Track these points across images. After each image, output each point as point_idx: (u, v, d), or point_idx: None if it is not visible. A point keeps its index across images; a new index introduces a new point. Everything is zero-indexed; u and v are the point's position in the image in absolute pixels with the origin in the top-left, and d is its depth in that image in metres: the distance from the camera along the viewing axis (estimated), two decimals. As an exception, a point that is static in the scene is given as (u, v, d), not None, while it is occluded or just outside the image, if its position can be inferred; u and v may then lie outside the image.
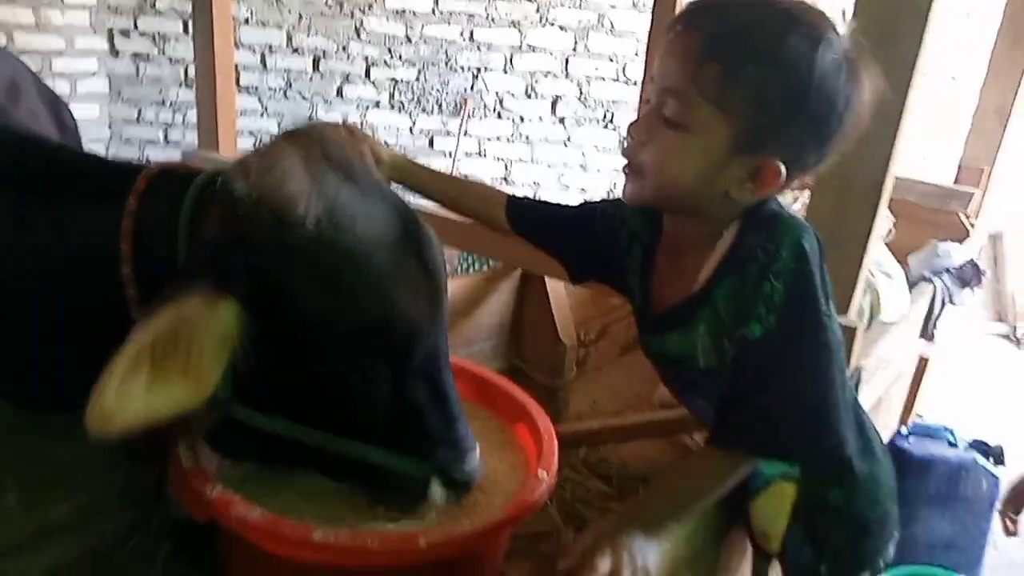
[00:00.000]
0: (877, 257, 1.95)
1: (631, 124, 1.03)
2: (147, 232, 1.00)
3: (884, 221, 2.09)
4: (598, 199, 1.35)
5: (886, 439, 2.54)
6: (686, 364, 1.10)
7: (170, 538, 1.24)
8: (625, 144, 1.05)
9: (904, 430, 2.65)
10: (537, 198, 1.44)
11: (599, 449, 1.91)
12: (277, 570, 1.08)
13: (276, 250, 0.92)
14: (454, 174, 5.05)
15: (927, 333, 2.37)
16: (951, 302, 2.36)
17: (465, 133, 5.09)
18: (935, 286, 2.29)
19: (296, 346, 0.97)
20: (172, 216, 0.99)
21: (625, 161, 1.05)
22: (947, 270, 2.36)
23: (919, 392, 2.63)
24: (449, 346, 1.85)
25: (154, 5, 4.64)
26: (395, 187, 1.18)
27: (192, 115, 4.75)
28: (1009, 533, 2.19)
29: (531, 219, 1.36)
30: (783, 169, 0.95)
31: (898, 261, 2.14)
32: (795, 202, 2.44)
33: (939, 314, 2.34)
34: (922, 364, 2.50)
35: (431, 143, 5.20)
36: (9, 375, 1.09)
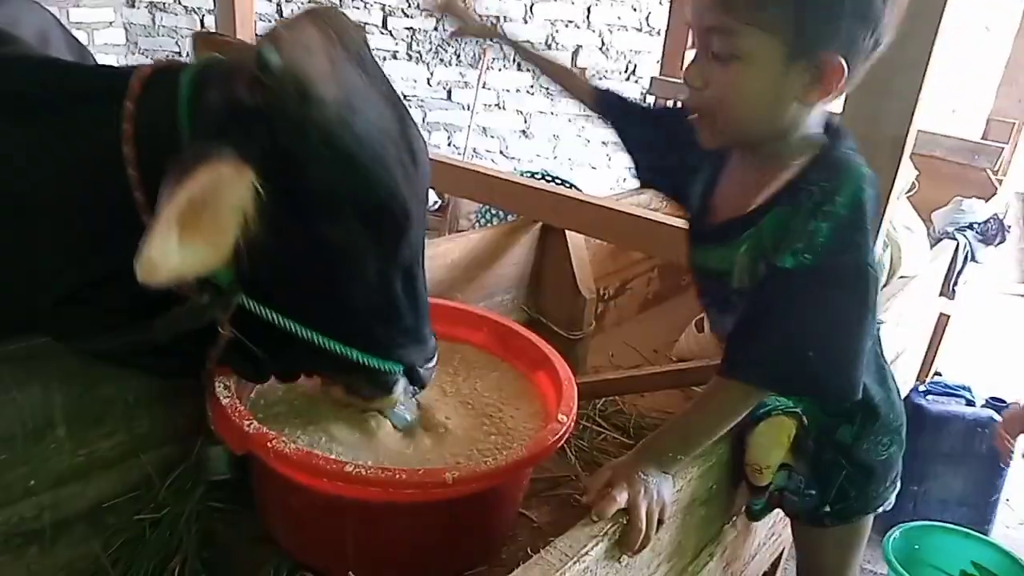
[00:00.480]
0: (899, 211, 1.95)
1: (685, 73, 1.04)
2: (148, 130, 1.00)
3: (907, 175, 2.08)
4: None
5: (902, 396, 2.57)
6: (723, 280, 1.11)
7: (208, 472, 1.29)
8: (688, 95, 1.06)
9: (922, 387, 2.67)
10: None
11: (616, 400, 1.95)
12: (310, 501, 1.14)
13: (296, 123, 0.95)
14: (472, 127, 5.03)
15: (948, 290, 2.37)
16: (974, 259, 2.35)
17: (483, 85, 5.04)
18: (958, 243, 2.28)
19: (298, 220, 1.00)
20: (171, 107, 1.00)
21: (693, 113, 1.06)
22: (971, 226, 2.35)
23: (939, 349, 2.64)
24: (469, 297, 1.89)
25: (172, -47, 4.61)
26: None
27: (212, 66, 4.76)
28: (1006, 460, 2.22)
29: (616, 103, 1.41)
30: (843, 62, 0.95)
31: (921, 217, 2.14)
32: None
33: (961, 271, 2.33)
34: (942, 321, 2.50)
35: (449, 95, 5.16)
36: (35, 310, 1.11)
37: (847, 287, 0.99)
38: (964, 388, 2.65)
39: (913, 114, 1.35)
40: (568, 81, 1.56)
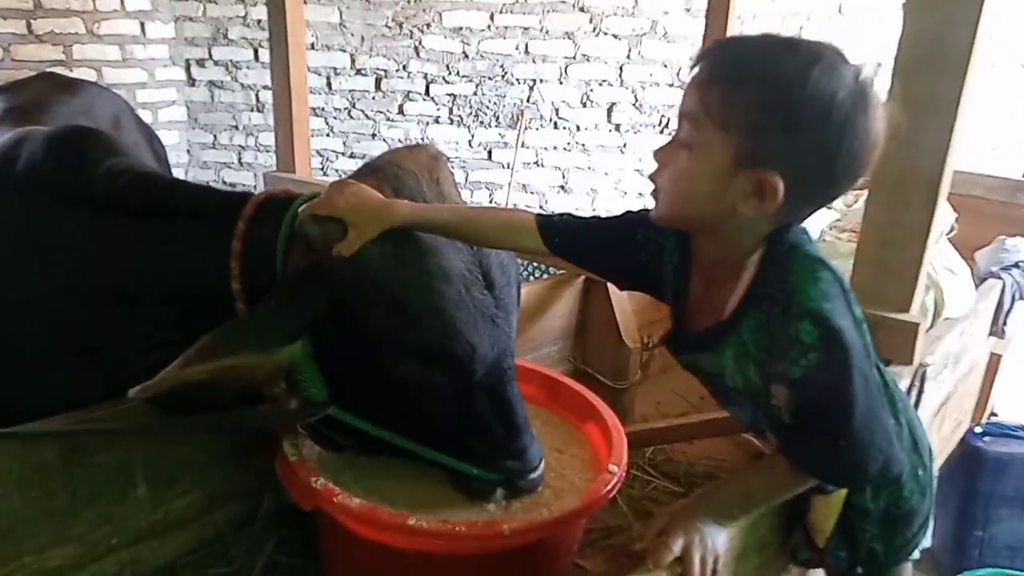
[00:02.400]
0: (939, 253, 1.95)
1: (655, 151, 1.08)
2: (253, 253, 1.15)
3: (945, 216, 2.09)
4: (635, 211, 1.28)
5: (958, 437, 2.51)
6: (716, 379, 1.15)
7: (277, 528, 1.36)
8: (651, 171, 1.10)
9: (978, 429, 2.61)
10: (563, 215, 1.27)
11: (665, 449, 1.97)
12: (375, 554, 1.19)
13: (344, 280, 1.07)
14: (512, 185, 5.16)
15: (998, 330, 2.34)
16: (1022, 298, 2.32)
17: (522, 144, 5.19)
18: (1004, 281, 2.26)
19: (371, 359, 1.12)
20: (272, 238, 1.14)
21: (652, 186, 1.10)
22: (1017, 265, 2.33)
23: (992, 390, 2.58)
24: (516, 350, 1.95)
25: (227, 35, 4.91)
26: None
27: (263, 137, 5.02)
28: None
29: (570, 240, 1.24)
30: (781, 184, 0.96)
31: (963, 257, 2.13)
32: (856, 201, 2.45)
33: (1010, 310, 2.30)
34: (994, 360, 2.46)
35: (489, 155, 5.32)
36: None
37: (854, 371, 0.99)
38: (1022, 428, 2.58)
39: (947, 153, 1.34)
40: (504, 236, 1.20)
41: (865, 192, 2.46)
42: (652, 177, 1.10)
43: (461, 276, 1.11)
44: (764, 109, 0.95)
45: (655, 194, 1.10)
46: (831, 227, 2.21)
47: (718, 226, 1.06)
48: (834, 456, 1.03)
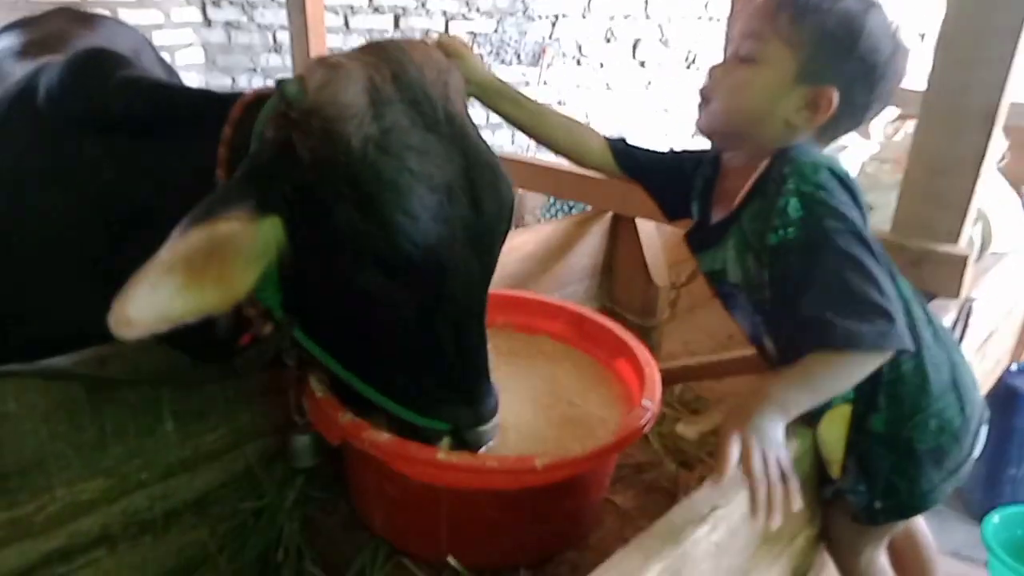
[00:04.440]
0: (990, 184, 1.86)
1: (711, 67, 1.19)
2: (239, 156, 1.02)
3: (997, 146, 1.98)
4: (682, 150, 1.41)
5: (996, 375, 2.45)
6: (721, 279, 1.20)
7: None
8: (703, 85, 1.19)
9: (1015, 366, 2.54)
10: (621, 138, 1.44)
11: (693, 387, 1.94)
12: (404, 489, 1.17)
13: (319, 161, 0.91)
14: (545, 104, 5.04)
15: (1043, 265, 2.24)
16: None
17: (544, 82, 5.06)
18: (1053, 215, 2.16)
19: (330, 259, 0.97)
20: (254, 130, 1.01)
21: (700, 99, 1.20)
22: (1066, 198, 2.22)
23: (1033, 327, 2.50)
24: (543, 288, 1.90)
25: (241, -27, 4.79)
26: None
27: (281, 80, 4.93)
28: None
29: (637, 159, 1.40)
30: (836, 98, 1.09)
31: (1015, 190, 2.04)
32: (896, 133, 2.35)
33: (1057, 245, 2.21)
34: (1037, 298, 2.37)
35: (511, 94, 5.20)
36: None
37: (842, 238, 0.99)
38: (1063, 367, 2.51)
39: (1006, 82, 1.31)
40: (569, 146, 1.40)
41: (905, 123, 2.37)
42: (705, 91, 1.19)
43: (446, 186, 0.95)
44: (830, 33, 1.08)
45: (703, 106, 1.19)
46: (871, 159, 2.12)
47: (759, 137, 1.15)
48: (826, 307, 0.95)
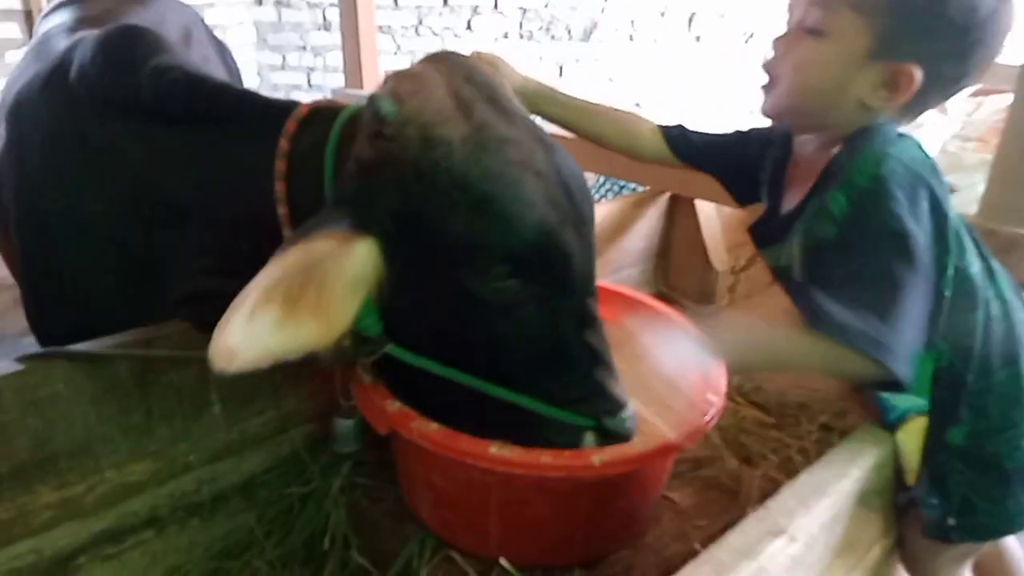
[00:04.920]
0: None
1: (775, 39, 1.05)
2: (299, 171, 1.01)
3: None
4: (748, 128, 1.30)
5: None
6: (787, 275, 1.08)
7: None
8: (765, 59, 1.07)
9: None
10: (685, 126, 1.34)
11: (753, 377, 1.85)
12: (454, 481, 1.13)
13: (423, 169, 0.89)
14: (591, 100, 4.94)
15: None
16: None
17: (594, 60, 4.93)
18: None
19: (445, 274, 0.94)
20: (320, 152, 0.99)
21: (764, 77, 1.07)
22: None
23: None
24: (596, 272, 1.83)
25: (291, -49, 4.77)
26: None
27: (331, 58, 4.91)
28: None
29: (695, 145, 1.30)
30: (918, 75, 0.94)
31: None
32: (977, 109, 2.19)
33: None
34: None
35: (560, 71, 5.08)
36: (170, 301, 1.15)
37: (880, 253, 0.87)
38: None
39: None
40: (622, 140, 1.34)
41: (986, 99, 2.21)
42: (768, 67, 1.06)
43: (545, 174, 0.94)
44: None
45: (768, 87, 1.07)
46: (953, 137, 1.98)
47: (831, 119, 1.03)
48: (824, 282, 0.87)
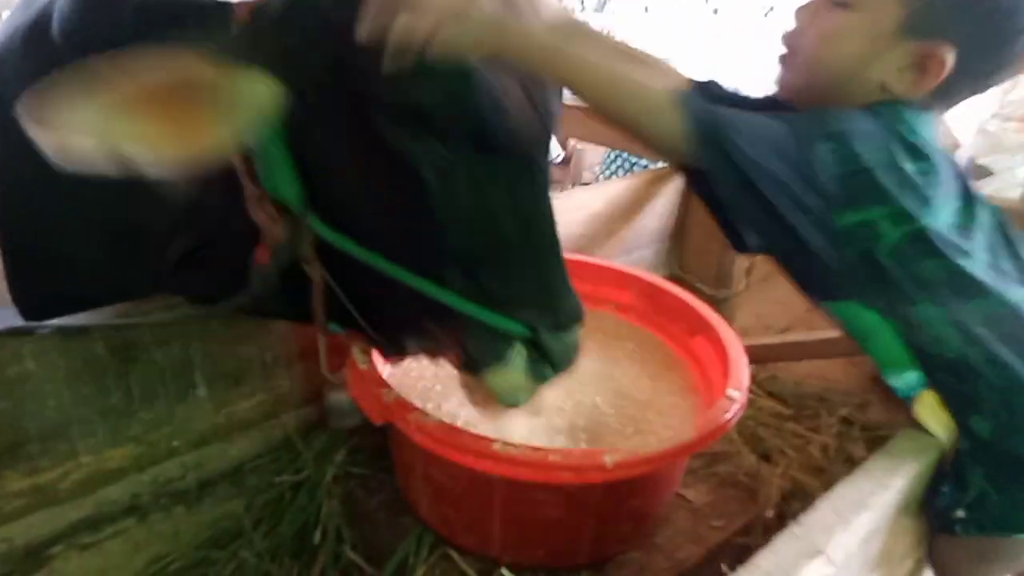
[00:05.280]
0: None
1: (798, 9, 0.99)
2: None
3: None
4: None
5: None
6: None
7: (349, 436, 1.24)
8: (786, 31, 1.01)
9: None
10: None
11: (768, 366, 1.77)
12: (455, 477, 1.05)
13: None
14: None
15: None
16: None
17: (609, 30, 4.79)
18: None
19: (369, 128, 0.79)
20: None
21: (782, 49, 1.01)
22: None
23: None
24: (607, 253, 1.74)
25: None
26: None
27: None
28: None
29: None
30: (950, 60, 0.88)
31: None
32: (1014, 88, 2.08)
33: None
34: None
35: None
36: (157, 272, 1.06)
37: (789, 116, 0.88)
38: None
39: None
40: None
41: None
42: (788, 39, 1.00)
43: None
44: None
45: (786, 59, 1.01)
46: (993, 116, 1.87)
47: (846, 102, 0.94)
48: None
